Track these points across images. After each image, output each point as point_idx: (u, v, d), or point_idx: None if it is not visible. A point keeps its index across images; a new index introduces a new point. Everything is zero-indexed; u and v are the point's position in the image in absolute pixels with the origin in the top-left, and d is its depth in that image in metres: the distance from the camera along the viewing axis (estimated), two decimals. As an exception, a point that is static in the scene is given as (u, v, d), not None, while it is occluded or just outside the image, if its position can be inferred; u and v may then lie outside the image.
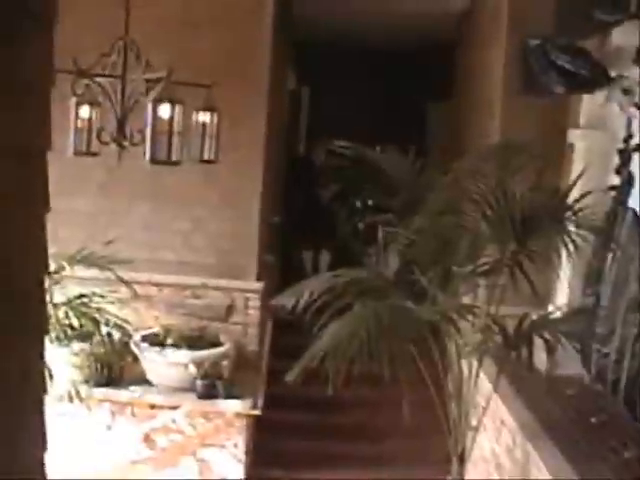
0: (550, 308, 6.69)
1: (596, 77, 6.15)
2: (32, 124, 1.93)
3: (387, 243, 5.82)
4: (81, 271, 7.24)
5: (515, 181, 5.43)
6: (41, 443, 2.03)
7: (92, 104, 5.24)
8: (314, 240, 11.20)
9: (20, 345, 1.90)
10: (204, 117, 5.35)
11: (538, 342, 5.31)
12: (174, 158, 4.73)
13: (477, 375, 5.60)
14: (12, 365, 1.85)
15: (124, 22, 5.20)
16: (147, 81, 5.02)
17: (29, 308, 1.93)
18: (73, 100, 5.19)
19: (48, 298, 6.55)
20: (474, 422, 5.77)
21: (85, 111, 5.25)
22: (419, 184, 5.92)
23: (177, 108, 4.69)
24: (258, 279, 8.36)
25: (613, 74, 6.13)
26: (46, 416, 2.04)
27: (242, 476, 7.39)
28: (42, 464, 2.04)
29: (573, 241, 5.31)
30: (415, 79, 13.02)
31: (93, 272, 7.21)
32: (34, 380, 1.98)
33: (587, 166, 6.18)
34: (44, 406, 2.02)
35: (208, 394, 7.37)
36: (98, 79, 5.18)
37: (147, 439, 7.43)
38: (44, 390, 2.02)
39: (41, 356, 2.03)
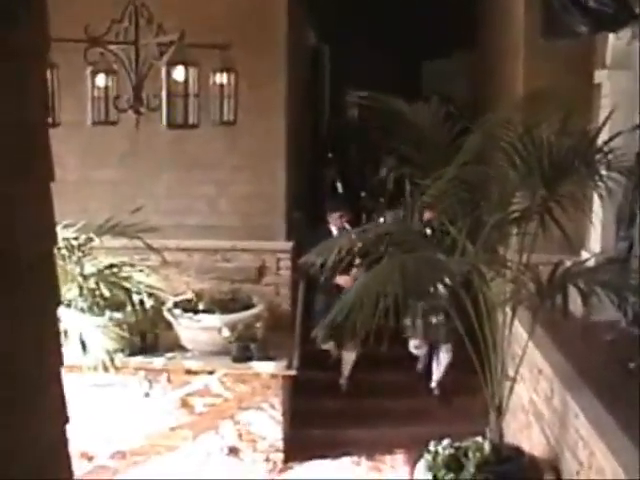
0: (584, 254, 6.60)
1: (620, 15, 5.97)
2: (30, 92, 1.87)
3: (415, 196, 5.73)
4: (110, 241, 7.24)
5: (543, 127, 5.32)
6: (61, 412, 2.00)
7: (107, 72, 5.19)
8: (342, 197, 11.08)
9: (33, 316, 1.87)
10: (221, 78, 5.27)
11: (572, 288, 5.23)
12: (191, 121, 4.67)
13: (511, 325, 5.53)
14: (26, 336, 1.83)
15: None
16: (160, 45, 4.95)
17: (40, 279, 1.90)
18: (88, 69, 5.15)
19: (78, 270, 6.60)
20: (511, 372, 5.71)
21: (101, 80, 5.21)
22: (447, 135, 5.82)
23: (191, 70, 4.62)
24: (288, 239, 8.32)
25: (638, 11, 5.95)
26: (65, 385, 2.01)
27: (280, 437, 7.40)
28: (63, 433, 2.01)
29: (604, 184, 5.20)
30: (437, 30, 12.79)
31: (122, 242, 7.21)
32: (50, 350, 1.95)
33: (615, 107, 6.04)
34: (62, 375, 1.99)
35: (243, 357, 7.37)
36: (111, 47, 5.12)
37: (185, 405, 7.46)
38: (60, 360, 1.99)
39: (55, 326, 2.00)
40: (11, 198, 1.75)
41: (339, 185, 11.13)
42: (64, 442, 2.04)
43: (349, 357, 8.04)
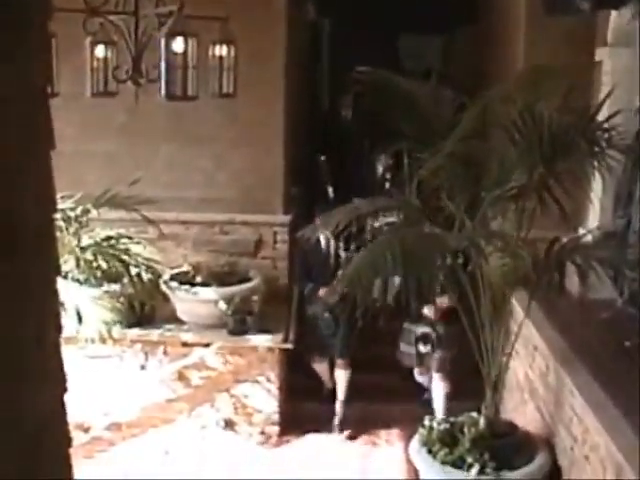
0: (581, 231, 6.60)
1: (622, -8, 5.95)
2: (31, 60, 1.86)
3: (413, 170, 5.72)
4: (107, 213, 7.24)
5: (544, 104, 5.31)
6: (60, 381, 2.00)
7: (107, 43, 5.17)
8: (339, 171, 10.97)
9: (35, 284, 1.86)
10: (221, 50, 5.24)
11: (570, 266, 5.24)
12: (190, 93, 4.64)
13: (508, 301, 5.54)
14: (27, 304, 1.83)
15: (133, -44, 5.09)
16: (160, 16, 4.92)
17: (41, 247, 1.89)
18: (87, 40, 5.12)
19: (75, 241, 6.59)
20: (507, 349, 5.73)
21: (100, 50, 5.18)
22: (445, 110, 5.81)
23: (190, 42, 4.59)
24: (285, 212, 8.32)
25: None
26: (63, 356, 2.01)
27: (276, 410, 7.43)
28: (62, 404, 2.02)
29: (603, 161, 5.20)
30: (439, 5, 12.70)
31: (119, 214, 7.21)
32: (49, 319, 1.95)
33: (616, 85, 6.03)
34: (61, 346, 2.00)
35: (239, 330, 7.39)
36: (111, 17, 5.09)
37: (181, 377, 7.48)
38: (59, 329, 1.99)
39: (55, 295, 2.00)
40: (15, 164, 1.75)
41: (330, 190, 10.67)
42: (63, 411, 2.05)
43: (343, 375, 7.60)
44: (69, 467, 2.08)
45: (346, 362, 7.51)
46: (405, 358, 7.40)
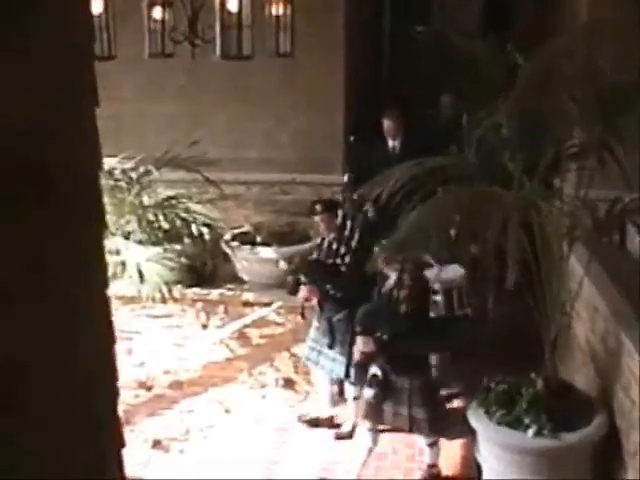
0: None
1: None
2: (77, 17, 1.88)
3: (471, 129, 5.64)
4: (168, 174, 7.32)
5: (605, 60, 5.18)
6: (108, 334, 2.04)
7: (163, 4, 5.21)
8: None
9: (79, 238, 1.90)
10: (277, 9, 5.23)
11: (631, 227, 5.15)
12: (245, 53, 4.65)
13: (567, 260, 5.47)
14: (72, 257, 1.86)
15: None
16: (216, -24, 4.92)
17: (85, 202, 1.92)
18: (144, 1, 5.16)
19: (137, 202, 6.70)
20: (567, 308, 5.66)
21: (157, 12, 5.22)
22: (504, 68, 5.71)
23: (245, 1, 4.59)
24: (344, 172, 8.30)
25: None
26: (111, 309, 2.05)
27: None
28: (111, 357, 2.06)
29: (666, 119, 5.07)
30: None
31: (180, 174, 7.28)
32: (94, 272, 1.98)
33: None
34: (107, 298, 2.03)
35: (299, 289, 7.41)
36: (167, -23, 5.12)
37: (241, 336, 7.56)
38: (106, 283, 2.02)
39: (101, 250, 2.03)
40: (57, 121, 1.77)
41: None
42: (112, 364, 2.09)
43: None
44: (117, 417, 2.13)
45: None
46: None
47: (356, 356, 6.00)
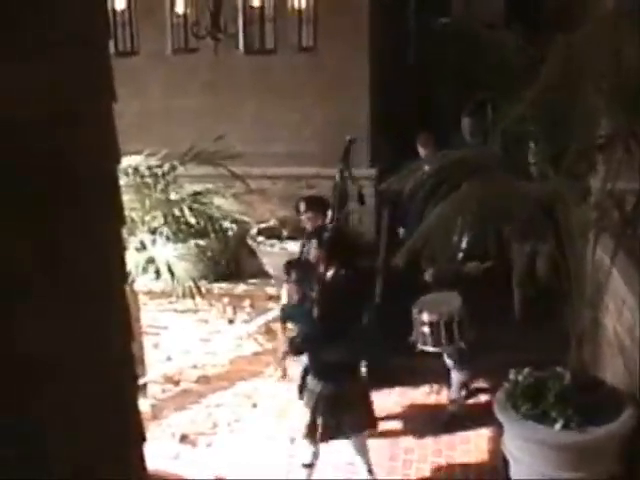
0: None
1: None
2: (93, 11, 1.89)
3: (496, 121, 5.61)
4: (194, 169, 7.31)
5: (631, 50, 5.12)
6: (127, 327, 2.06)
7: (186, -1, 5.21)
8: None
9: (97, 232, 1.91)
10: (300, 3, 5.22)
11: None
12: (268, 47, 4.65)
13: (594, 252, 5.42)
14: (90, 251, 1.87)
15: None
16: (238, -30, 4.93)
17: (102, 197, 1.93)
18: (168, -4, 5.17)
19: (164, 198, 6.69)
20: (593, 301, 5.62)
21: (180, 6, 5.22)
22: (528, 58, 5.66)
23: (267, -6, 4.59)
24: (371, 166, 8.28)
25: None
26: (126, 300, 2.07)
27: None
28: (128, 348, 2.07)
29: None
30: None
31: (206, 169, 7.27)
32: (114, 267, 1.99)
33: None
34: (126, 294, 2.04)
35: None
36: (190, -28, 5.12)
37: (268, 331, 7.57)
38: (124, 279, 2.03)
39: (119, 245, 2.04)
40: (74, 115, 1.78)
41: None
42: (130, 356, 2.11)
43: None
44: (138, 411, 2.15)
45: None
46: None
47: None
